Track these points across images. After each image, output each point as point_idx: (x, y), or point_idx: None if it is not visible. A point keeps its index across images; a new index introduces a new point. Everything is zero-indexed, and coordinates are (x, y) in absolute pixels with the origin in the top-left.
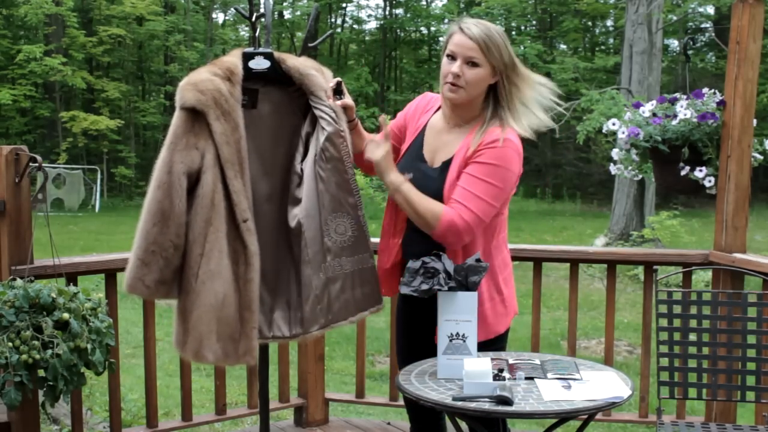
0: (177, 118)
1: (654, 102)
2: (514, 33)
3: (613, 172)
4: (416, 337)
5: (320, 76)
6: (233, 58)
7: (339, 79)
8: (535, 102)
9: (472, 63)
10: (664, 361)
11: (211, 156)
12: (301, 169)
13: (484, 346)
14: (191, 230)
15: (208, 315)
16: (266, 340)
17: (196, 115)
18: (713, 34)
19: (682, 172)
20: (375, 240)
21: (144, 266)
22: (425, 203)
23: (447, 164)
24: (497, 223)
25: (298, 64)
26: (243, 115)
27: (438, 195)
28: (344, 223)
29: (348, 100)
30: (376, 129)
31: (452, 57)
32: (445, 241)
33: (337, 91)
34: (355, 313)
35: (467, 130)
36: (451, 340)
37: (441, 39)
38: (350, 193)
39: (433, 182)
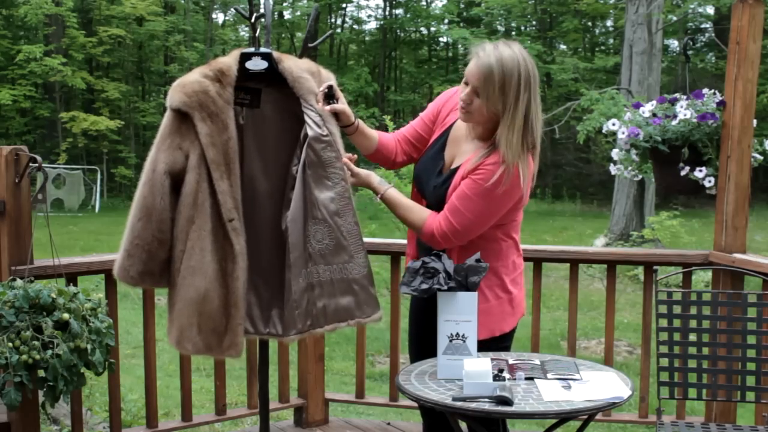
0: (165, 119)
1: (654, 102)
2: (514, 33)
3: (613, 173)
4: (428, 336)
5: (312, 80)
6: (228, 59)
7: (331, 83)
8: None
9: (476, 92)
10: (664, 362)
11: (196, 156)
12: (296, 171)
13: (489, 343)
14: (175, 227)
15: (189, 309)
16: (263, 336)
17: (183, 116)
18: (713, 35)
19: (682, 173)
20: (384, 241)
21: (129, 257)
22: (411, 211)
23: (453, 172)
24: (511, 227)
25: (293, 66)
26: (246, 114)
27: (442, 200)
28: (321, 230)
29: (339, 105)
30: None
31: (465, 82)
32: (431, 246)
33: (329, 96)
34: (335, 321)
35: (481, 144)
36: (451, 341)
37: (441, 39)
38: (330, 201)
39: (438, 188)
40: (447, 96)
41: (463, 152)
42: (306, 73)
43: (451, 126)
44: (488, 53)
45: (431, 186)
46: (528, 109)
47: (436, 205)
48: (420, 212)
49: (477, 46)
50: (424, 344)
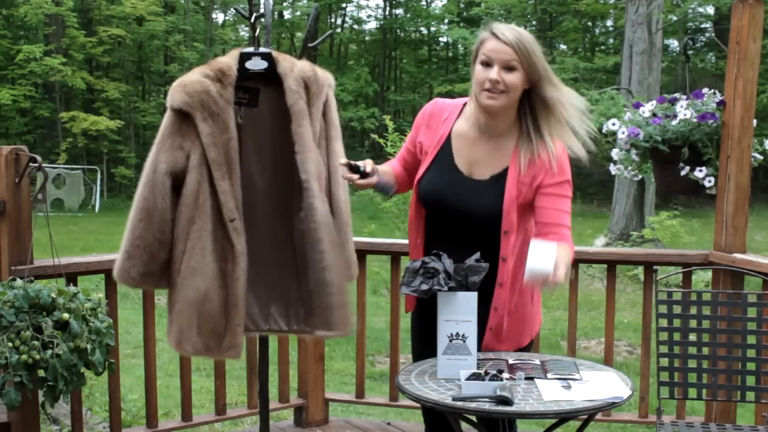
0: (166, 119)
1: (654, 102)
2: None
3: (613, 172)
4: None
5: (302, 94)
6: (228, 59)
7: (372, 165)
8: (568, 125)
9: (509, 67)
10: (664, 362)
11: (197, 156)
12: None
13: (528, 348)
14: (176, 228)
15: (189, 309)
16: (263, 333)
17: (184, 117)
18: (713, 34)
19: (682, 173)
20: (384, 241)
21: (130, 259)
22: (568, 255)
23: (499, 178)
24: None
25: (288, 71)
26: (244, 113)
27: (495, 209)
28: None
29: (373, 179)
30: (376, 129)
31: (487, 64)
32: None
33: (363, 173)
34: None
35: (507, 141)
36: (451, 341)
37: (441, 39)
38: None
39: (484, 196)
40: (427, 113)
41: (486, 154)
42: (299, 85)
43: (449, 136)
44: (507, 27)
45: (472, 197)
46: None
47: (486, 217)
48: (567, 250)
49: (486, 29)
50: (429, 344)
